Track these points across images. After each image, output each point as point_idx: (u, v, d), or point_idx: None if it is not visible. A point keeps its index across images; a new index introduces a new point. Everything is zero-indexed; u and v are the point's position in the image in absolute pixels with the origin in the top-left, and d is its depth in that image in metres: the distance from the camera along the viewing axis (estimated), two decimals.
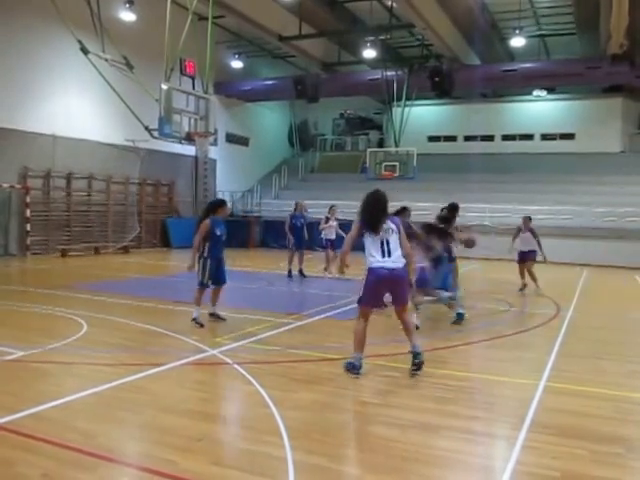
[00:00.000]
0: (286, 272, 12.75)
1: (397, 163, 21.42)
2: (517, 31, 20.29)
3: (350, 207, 21.08)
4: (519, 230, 11.54)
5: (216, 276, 7.42)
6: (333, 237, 13.10)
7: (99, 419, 4.13)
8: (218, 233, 7.35)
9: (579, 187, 21.04)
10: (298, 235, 12.89)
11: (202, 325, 7.21)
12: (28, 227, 16.83)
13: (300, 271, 12.90)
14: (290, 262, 12.78)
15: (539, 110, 26.77)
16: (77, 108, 18.29)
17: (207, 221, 7.32)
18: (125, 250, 18.94)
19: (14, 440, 3.66)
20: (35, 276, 13.06)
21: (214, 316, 7.58)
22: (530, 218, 11.70)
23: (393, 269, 5.22)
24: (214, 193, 24.93)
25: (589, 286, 12.98)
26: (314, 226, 14.19)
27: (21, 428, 3.83)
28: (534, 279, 11.24)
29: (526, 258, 11.39)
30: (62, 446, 3.57)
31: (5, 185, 16.26)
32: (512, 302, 9.87)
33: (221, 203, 7.73)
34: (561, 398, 4.78)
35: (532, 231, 11.42)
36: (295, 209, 13.46)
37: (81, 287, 10.03)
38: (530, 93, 26.52)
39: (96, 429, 3.91)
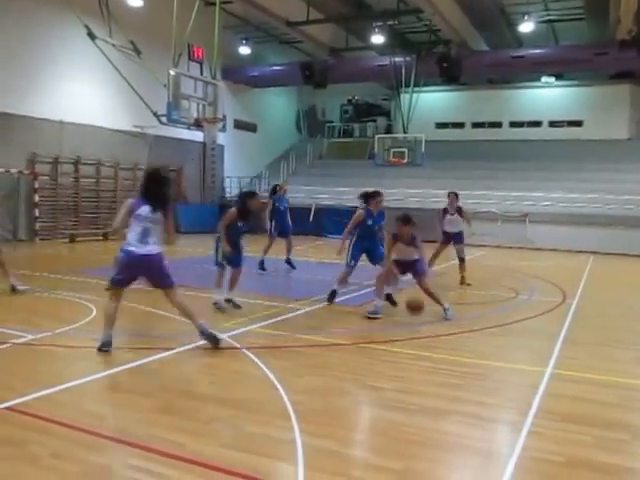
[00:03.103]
0: (261, 261, 11.05)
1: (405, 149, 21.36)
2: (525, 16, 20.06)
3: (359, 193, 21.17)
4: (445, 211, 10.46)
5: (230, 259, 7.48)
6: None
7: (108, 401, 4.20)
8: (239, 224, 7.51)
9: (587, 174, 20.90)
10: (282, 220, 11.45)
11: (222, 310, 7.30)
12: (36, 212, 16.93)
13: (288, 261, 11.37)
14: (266, 251, 11.18)
15: (547, 97, 26.54)
16: (85, 94, 18.28)
17: (233, 210, 7.45)
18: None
19: (25, 421, 3.73)
20: (44, 261, 13.17)
21: (230, 302, 7.59)
22: (457, 195, 10.41)
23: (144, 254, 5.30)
24: (222, 179, 24.97)
25: (596, 273, 12.95)
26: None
27: (32, 409, 3.89)
28: (463, 268, 10.28)
29: (453, 240, 10.36)
30: (72, 427, 3.63)
31: (14, 171, 16.33)
32: (518, 289, 9.87)
33: (251, 195, 7.84)
34: (567, 385, 4.80)
35: (460, 211, 10.33)
36: (275, 191, 11.68)
37: (89, 272, 10.10)
38: (538, 79, 26.27)
39: (105, 411, 3.99)
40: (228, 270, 7.63)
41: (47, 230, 17.17)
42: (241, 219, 7.50)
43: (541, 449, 3.53)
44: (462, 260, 10.36)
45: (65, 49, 17.38)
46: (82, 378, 4.59)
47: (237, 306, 7.54)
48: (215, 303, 7.40)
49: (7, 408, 3.91)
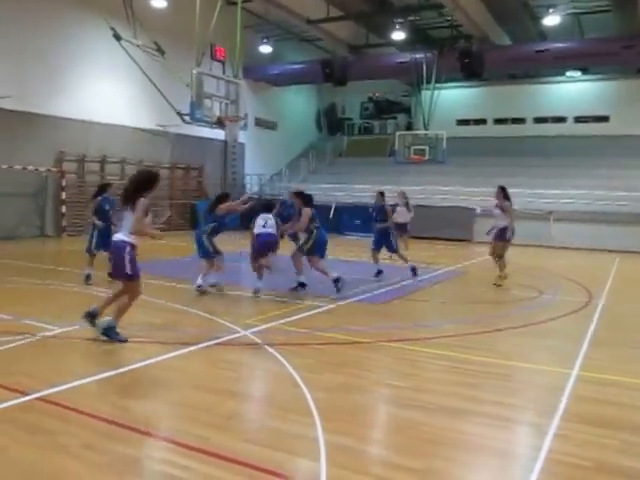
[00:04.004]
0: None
1: (426, 147, 21.21)
2: (550, 9, 19.74)
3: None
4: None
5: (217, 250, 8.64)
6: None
7: (133, 394, 4.29)
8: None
9: (613, 171, 20.52)
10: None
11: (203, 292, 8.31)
12: (63, 209, 17.32)
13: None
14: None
15: (572, 91, 26.10)
16: (110, 94, 18.60)
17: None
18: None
19: (55, 411, 3.84)
20: (70, 256, 13.41)
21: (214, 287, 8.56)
22: (502, 189, 10.06)
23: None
24: (243, 177, 25.14)
25: (623, 273, 12.72)
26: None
27: (61, 400, 4.00)
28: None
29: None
30: (99, 418, 3.73)
31: (42, 169, 16.72)
32: (542, 289, 9.76)
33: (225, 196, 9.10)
34: (593, 387, 4.73)
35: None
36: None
37: None
38: (563, 74, 25.84)
39: (131, 404, 4.07)
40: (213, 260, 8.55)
41: (74, 226, 17.52)
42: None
43: (567, 453, 3.48)
44: (500, 257, 10.03)
45: (91, 50, 17.70)
46: (109, 371, 4.70)
47: (221, 289, 8.53)
48: (199, 286, 8.34)
49: (38, 398, 4.03)
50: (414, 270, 10.54)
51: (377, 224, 10.62)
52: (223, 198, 8.94)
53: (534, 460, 3.37)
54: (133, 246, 5.62)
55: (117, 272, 5.74)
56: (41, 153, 16.64)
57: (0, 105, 15.42)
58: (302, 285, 8.84)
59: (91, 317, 5.67)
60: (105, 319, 5.66)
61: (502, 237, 9.86)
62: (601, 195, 19.19)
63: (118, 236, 5.66)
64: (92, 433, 3.54)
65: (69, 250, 14.72)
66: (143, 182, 5.69)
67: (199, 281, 8.42)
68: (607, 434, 3.77)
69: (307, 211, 8.65)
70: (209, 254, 8.55)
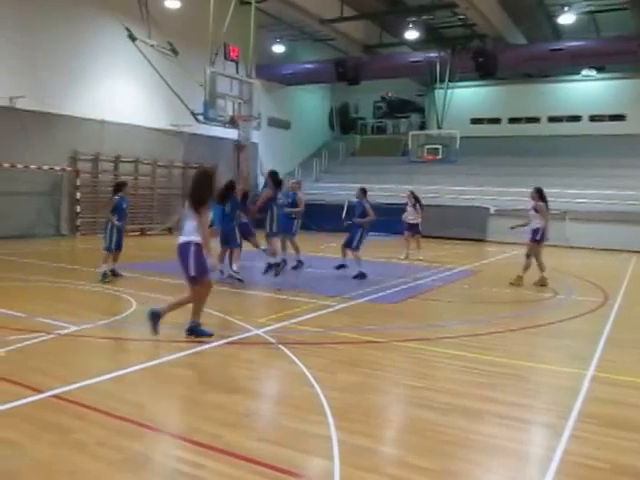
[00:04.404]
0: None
1: (439, 146, 21.15)
2: (565, 8, 19.55)
3: (391, 190, 21.07)
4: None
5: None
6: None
7: (148, 392, 4.31)
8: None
9: (629, 170, 20.29)
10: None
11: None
12: (78, 208, 17.48)
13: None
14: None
15: (587, 90, 25.84)
16: (124, 94, 18.73)
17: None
18: (169, 231, 19.42)
19: (70, 409, 3.86)
20: (85, 255, 13.56)
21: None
22: (537, 191, 10.16)
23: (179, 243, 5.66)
24: (256, 176, 25.20)
25: (639, 273, 12.56)
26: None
27: (76, 398, 4.03)
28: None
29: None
30: (114, 416, 3.75)
31: (57, 168, 16.89)
32: (557, 289, 9.67)
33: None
34: (608, 388, 4.68)
35: (536, 207, 10.90)
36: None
37: (129, 266, 10.34)
38: (578, 73, 25.59)
39: (145, 402, 4.09)
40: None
41: (88, 225, 17.68)
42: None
43: (583, 454, 3.45)
44: (527, 257, 9.96)
45: (106, 50, 17.85)
46: (123, 369, 4.73)
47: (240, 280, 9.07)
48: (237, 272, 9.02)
49: (54, 396, 4.06)
50: (362, 275, 10.00)
51: (357, 219, 10.58)
52: (231, 185, 9.37)
53: (550, 461, 3.34)
54: (198, 245, 5.54)
55: (185, 274, 5.64)
56: (56, 152, 16.82)
57: (16, 105, 15.61)
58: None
59: (155, 317, 5.62)
60: (190, 320, 5.73)
61: (532, 238, 9.86)
62: (617, 195, 18.98)
63: (182, 239, 5.61)
64: (107, 431, 3.56)
65: (83, 249, 14.87)
66: (208, 185, 5.66)
67: (234, 267, 9.08)
68: (623, 435, 3.72)
69: (267, 191, 9.45)
70: (238, 243, 9.25)
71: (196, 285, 5.65)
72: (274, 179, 9.55)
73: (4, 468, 3.07)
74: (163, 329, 6.10)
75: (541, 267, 9.92)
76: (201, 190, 5.61)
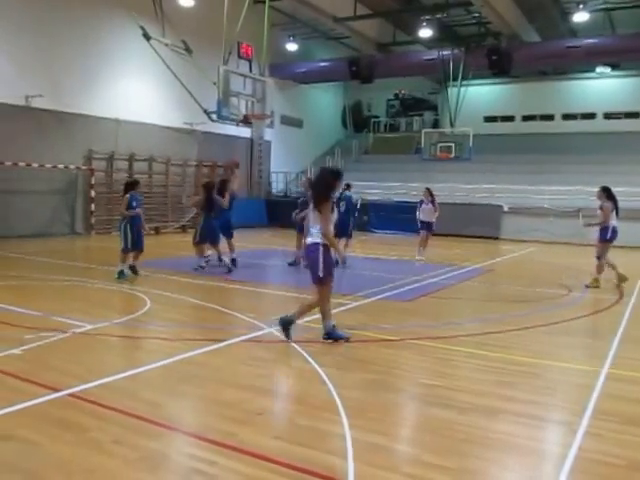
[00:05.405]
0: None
1: (452, 144, 21.03)
2: (580, 5, 19.32)
3: (405, 188, 21.01)
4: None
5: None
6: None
7: (163, 391, 4.33)
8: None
9: None
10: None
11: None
12: (92, 207, 17.62)
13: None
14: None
15: (602, 88, 25.53)
16: (139, 92, 18.85)
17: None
18: (183, 229, 19.53)
19: (86, 407, 3.89)
20: (100, 254, 13.66)
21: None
22: (603, 189, 10.16)
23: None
24: (268, 174, 25.26)
25: None
26: None
27: (92, 396, 4.06)
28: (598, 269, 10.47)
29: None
30: (130, 415, 3.77)
31: (72, 167, 17.04)
32: (571, 286, 9.58)
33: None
34: (624, 386, 4.65)
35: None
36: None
37: (143, 265, 10.41)
38: (593, 70, 25.29)
39: (160, 400, 4.11)
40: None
41: (102, 224, 17.82)
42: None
43: (600, 451, 3.43)
44: (598, 259, 9.72)
45: (121, 50, 17.98)
46: (138, 368, 4.76)
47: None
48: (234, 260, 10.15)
49: (70, 395, 4.10)
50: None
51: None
52: (225, 182, 10.29)
53: (566, 458, 3.32)
54: (326, 246, 5.56)
55: (313, 276, 5.63)
56: (71, 151, 16.97)
57: (32, 104, 15.77)
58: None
59: (287, 324, 5.65)
60: (324, 324, 5.71)
61: (600, 238, 9.64)
62: (631, 192, 18.73)
63: (309, 240, 5.66)
64: (123, 429, 3.58)
65: (98, 247, 14.99)
66: (330, 184, 5.67)
67: (233, 255, 10.32)
68: (639, 432, 3.70)
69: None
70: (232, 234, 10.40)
71: (323, 286, 5.62)
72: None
73: (24, 467, 3.10)
74: (175, 327, 6.14)
75: (610, 266, 9.62)
76: (320, 189, 5.65)
